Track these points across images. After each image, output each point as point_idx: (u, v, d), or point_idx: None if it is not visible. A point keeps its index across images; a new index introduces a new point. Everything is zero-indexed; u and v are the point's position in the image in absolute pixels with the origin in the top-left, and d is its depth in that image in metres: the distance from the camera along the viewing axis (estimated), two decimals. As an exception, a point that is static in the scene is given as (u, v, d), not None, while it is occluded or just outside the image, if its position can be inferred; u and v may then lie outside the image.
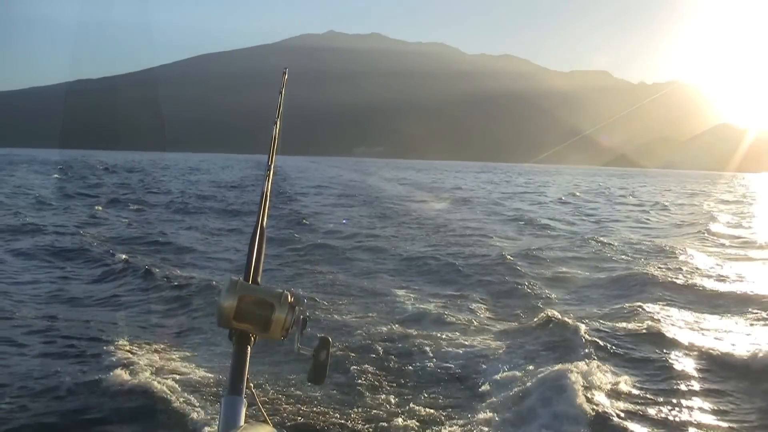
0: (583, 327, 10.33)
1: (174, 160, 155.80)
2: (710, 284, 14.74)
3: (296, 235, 21.93)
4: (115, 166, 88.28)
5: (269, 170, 2.27)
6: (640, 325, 10.77)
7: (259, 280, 1.93)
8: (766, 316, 11.74)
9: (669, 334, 10.18)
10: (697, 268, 17.00)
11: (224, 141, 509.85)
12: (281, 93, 2.85)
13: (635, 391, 8.03)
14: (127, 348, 8.86)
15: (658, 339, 10.06)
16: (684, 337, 10.17)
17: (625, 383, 8.20)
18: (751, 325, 11.33)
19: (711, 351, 9.45)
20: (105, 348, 8.82)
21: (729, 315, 11.99)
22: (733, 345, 9.83)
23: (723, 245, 23.04)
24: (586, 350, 9.31)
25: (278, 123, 2.60)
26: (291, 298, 1.81)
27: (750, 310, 12.29)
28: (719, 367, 8.95)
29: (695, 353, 9.43)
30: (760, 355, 9.06)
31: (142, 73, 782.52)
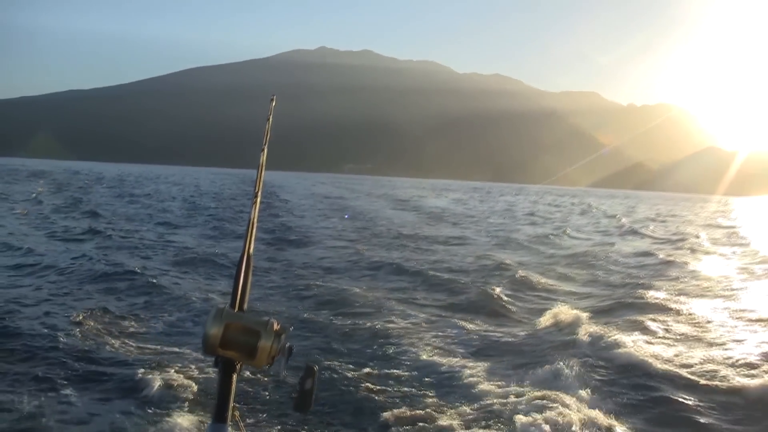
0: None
1: (162, 173, 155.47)
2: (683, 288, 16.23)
3: (283, 251, 21.91)
4: (103, 178, 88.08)
5: (256, 197, 2.24)
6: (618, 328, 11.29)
7: (245, 307, 1.94)
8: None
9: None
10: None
11: (214, 155, 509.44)
12: (268, 120, 2.81)
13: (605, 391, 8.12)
14: (108, 370, 8.73)
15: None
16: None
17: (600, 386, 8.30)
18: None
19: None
20: (85, 369, 8.72)
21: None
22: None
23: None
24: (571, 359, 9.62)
25: (265, 150, 2.57)
26: (277, 325, 1.81)
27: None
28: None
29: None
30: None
31: (133, 85, 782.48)
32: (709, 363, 10.41)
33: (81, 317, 11.40)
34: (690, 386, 9.29)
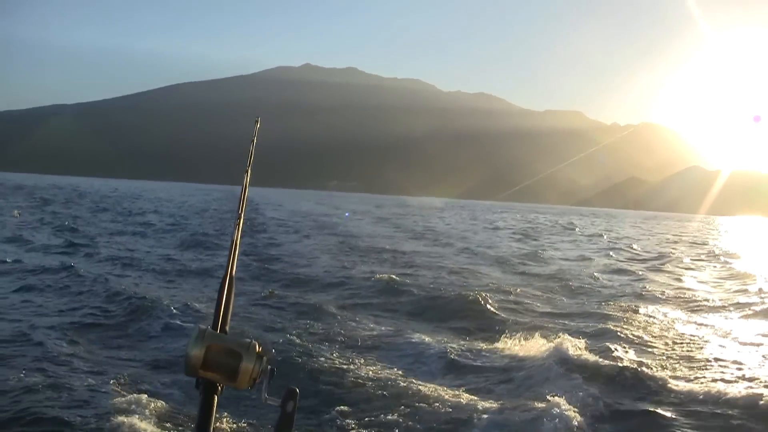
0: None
1: (147, 188, 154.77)
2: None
3: (268, 268, 22.07)
4: (87, 193, 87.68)
5: (239, 219, 2.22)
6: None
7: (227, 329, 1.94)
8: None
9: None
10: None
11: (200, 171, 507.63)
12: (252, 142, 2.79)
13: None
14: (87, 393, 8.65)
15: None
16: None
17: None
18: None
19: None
20: (63, 389, 8.66)
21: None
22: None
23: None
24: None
25: (249, 171, 2.55)
26: (259, 347, 1.81)
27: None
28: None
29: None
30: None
31: (117, 100, 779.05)
32: (683, 368, 10.86)
33: (64, 329, 11.52)
34: (663, 391, 9.60)
